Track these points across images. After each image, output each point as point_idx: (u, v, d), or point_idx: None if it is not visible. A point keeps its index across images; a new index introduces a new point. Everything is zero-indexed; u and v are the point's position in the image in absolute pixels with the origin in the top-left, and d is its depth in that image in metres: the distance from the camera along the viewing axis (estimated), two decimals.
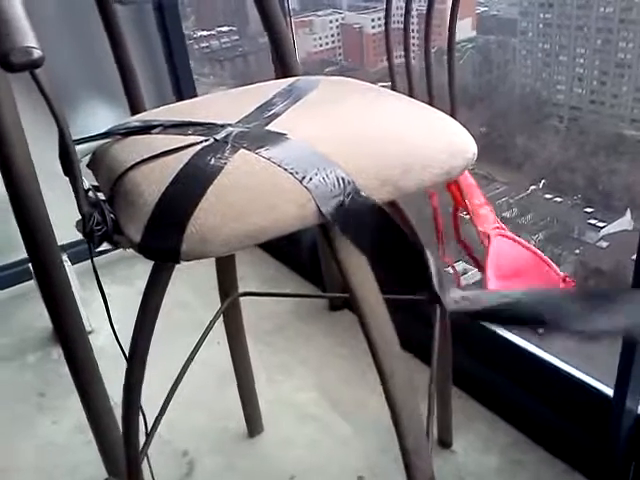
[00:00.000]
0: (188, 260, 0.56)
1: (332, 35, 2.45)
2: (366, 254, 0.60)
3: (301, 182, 0.58)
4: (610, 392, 1.04)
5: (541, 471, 1.15)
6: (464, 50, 2.25)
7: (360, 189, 0.59)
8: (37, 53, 0.49)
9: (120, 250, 2.02)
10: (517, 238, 0.84)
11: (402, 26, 0.89)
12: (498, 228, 0.83)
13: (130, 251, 1.87)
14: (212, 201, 0.56)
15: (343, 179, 0.59)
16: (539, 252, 0.84)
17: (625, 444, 1.04)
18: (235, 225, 0.55)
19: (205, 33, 2.59)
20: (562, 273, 0.81)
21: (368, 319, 0.65)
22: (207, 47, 2.60)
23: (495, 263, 0.79)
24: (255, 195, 0.57)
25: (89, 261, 0.75)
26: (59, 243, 1.02)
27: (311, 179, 0.58)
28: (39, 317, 1.63)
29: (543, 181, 2.03)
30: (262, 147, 0.61)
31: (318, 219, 0.58)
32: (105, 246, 0.63)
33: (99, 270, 0.74)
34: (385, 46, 0.92)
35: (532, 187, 2.06)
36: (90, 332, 1.53)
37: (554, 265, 0.82)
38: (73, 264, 1.48)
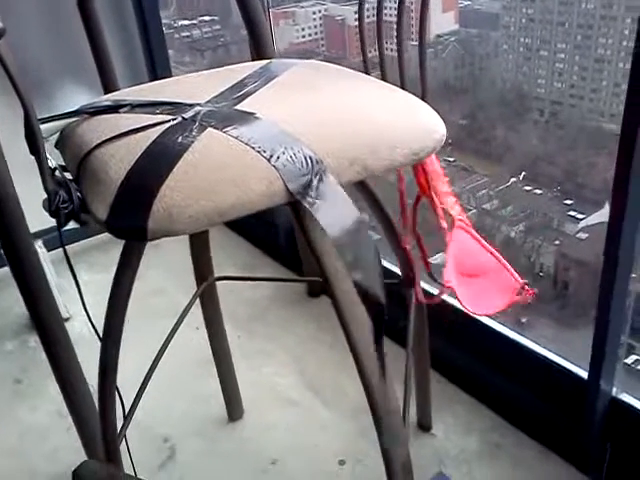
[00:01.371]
0: (155, 238, 0.55)
1: (315, 27, 2.44)
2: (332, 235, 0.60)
3: (269, 160, 0.57)
4: (585, 375, 1.05)
5: (519, 454, 1.16)
6: (446, 43, 2.26)
7: (328, 168, 0.58)
8: None
9: (96, 237, 2.02)
10: (478, 237, 0.84)
11: (376, 19, 0.89)
12: (462, 221, 0.82)
13: (106, 238, 1.86)
14: (179, 179, 0.56)
15: (311, 158, 0.58)
16: (499, 255, 0.83)
17: (600, 425, 1.06)
18: (202, 202, 0.55)
19: (186, 22, 2.56)
20: (522, 280, 0.80)
21: (340, 299, 0.65)
22: (188, 37, 2.58)
23: (456, 256, 0.78)
24: (222, 173, 0.57)
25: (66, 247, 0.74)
26: (34, 230, 1.01)
27: (279, 158, 0.58)
28: (15, 304, 1.61)
29: (523, 173, 2.04)
30: (230, 126, 0.61)
31: (286, 197, 0.58)
32: (73, 224, 0.62)
33: (75, 257, 0.74)
34: (359, 37, 0.92)
35: (512, 179, 2.08)
36: (67, 319, 1.52)
37: (513, 271, 0.81)
38: (49, 251, 1.47)
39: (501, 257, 0.83)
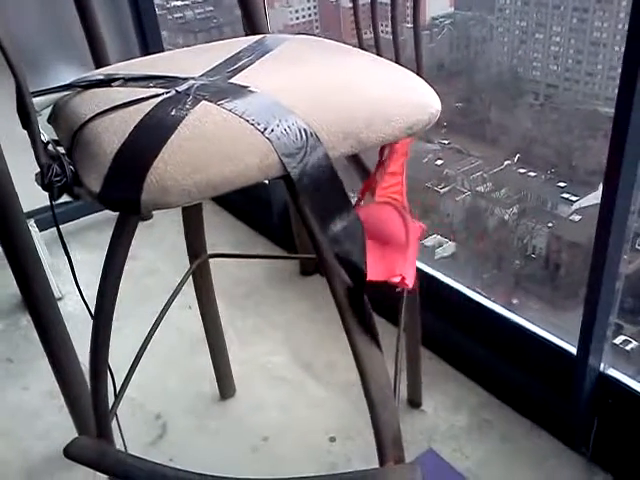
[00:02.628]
0: (148, 210, 0.55)
1: (309, 8, 2.43)
2: (324, 211, 0.60)
3: (263, 133, 0.57)
4: (574, 350, 1.07)
5: (509, 430, 1.18)
6: (441, 26, 2.24)
7: (323, 141, 0.58)
8: None
9: (90, 217, 2.01)
10: (406, 217, 0.85)
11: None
12: (395, 200, 0.83)
13: (99, 218, 1.86)
14: (172, 151, 0.55)
15: (305, 131, 0.58)
16: (412, 241, 0.83)
17: (588, 400, 1.07)
18: (196, 175, 0.55)
19: (179, 3, 2.54)
20: (405, 272, 0.80)
21: (333, 274, 0.65)
22: (181, 18, 2.55)
23: (364, 216, 0.80)
24: (216, 146, 0.56)
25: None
26: (27, 210, 1.00)
27: (273, 130, 0.57)
28: (7, 284, 1.60)
29: (518, 156, 2.04)
30: (224, 99, 0.61)
31: (280, 171, 0.58)
32: (65, 198, 0.62)
33: (68, 237, 0.74)
34: (354, 17, 0.91)
35: (506, 162, 2.08)
36: (60, 298, 1.53)
37: (409, 261, 0.81)
38: (41, 231, 1.46)
39: (413, 243, 0.83)
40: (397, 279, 0.79)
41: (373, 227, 0.82)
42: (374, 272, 0.79)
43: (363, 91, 0.65)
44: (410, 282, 0.80)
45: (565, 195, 1.97)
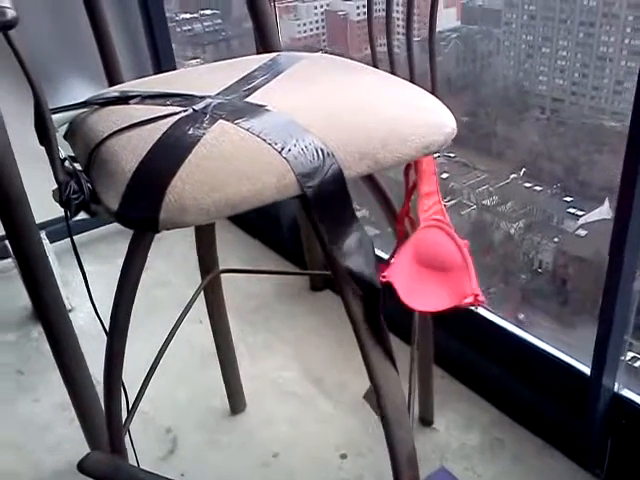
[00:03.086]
0: (167, 229, 0.56)
1: (316, 21, 2.44)
2: (337, 228, 0.60)
3: (280, 153, 0.57)
4: (587, 371, 1.06)
5: (521, 449, 1.17)
6: (448, 40, 2.25)
7: (339, 161, 0.59)
8: (11, 13, 0.48)
9: (101, 229, 2.02)
10: (455, 236, 0.83)
11: (385, 14, 0.89)
12: (439, 220, 0.82)
13: (109, 230, 1.86)
14: (190, 170, 0.56)
15: (322, 150, 0.59)
16: (468, 257, 0.82)
17: (602, 421, 1.06)
18: (214, 194, 0.55)
19: (188, 16, 2.56)
20: (475, 290, 0.78)
21: (348, 292, 0.65)
22: (190, 30, 2.57)
23: (415, 246, 0.78)
24: (234, 165, 0.57)
25: (68, 240, 0.74)
26: (38, 222, 1.01)
27: (290, 150, 0.58)
28: (18, 296, 1.61)
29: (524, 170, 2.04)
30: (241, 118, 0.61)
31: (297, 190, 0.58)
32: (82, 215, 0.62)
33: (80, 248, 0.73)
34: (368, 31, 0.91)
35: (512, 175, 2.08)
36: (70, 310, 1.53)
37: (474, 278, 0.80)
38: (51, 242, 1.47)
39: (469, 261, 0.82)
40: (470, 299, 0.77)
41: (427, 256, 0.81)
42: (443, 300, 0.78)
43: (379, 111, 0.65)
44: (482, 297, 0.79)
45: (571, 210, 1.97)
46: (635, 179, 0.85)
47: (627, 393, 1.05)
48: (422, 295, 0.76)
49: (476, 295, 0.76)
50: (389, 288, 0.72)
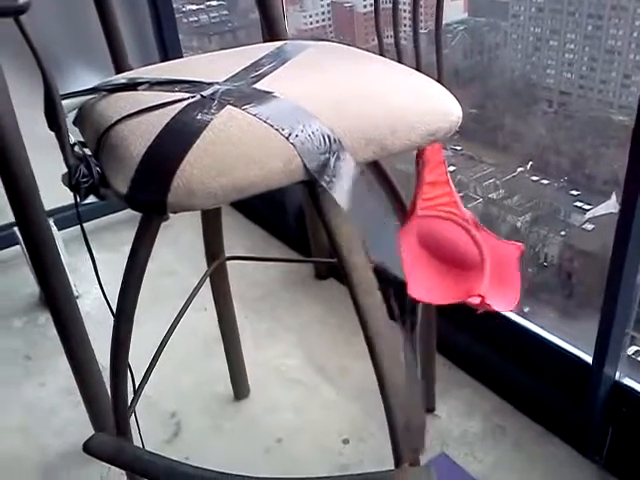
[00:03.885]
0: (174, 212, 0.57)
1: (323, 13, 2.44)
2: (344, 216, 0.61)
3: (287, 138, 0.58)
4: (589, 359, 1.07)
5: (522, 436, 1.18)
6: (455, 32, 2.25)
7: (346, 147, 0.59)
8: None
9: (108, 217, 2.02)
10: (471, 230, 0.81)
11: (392, 4, 0.89)
12: (451, 213, 0.80)
13: (115, 218, 1.87)
14: (198, 154, 0.57)
15: (329, 137, 0.59)
16: (486, 258, 0.80)
17: (603, 409, 1.07)
18: (221, 178, 0.56)
19: (194, 7, 2.56)
20: (484, 292, 0.75)
21: (354, 281, 0.66)
22: (196, 21, 2.57)
23: (423, 236, 0.76)
24: (241, 150, 0.58)
25: (75, 227, 0.75)
26: (46, 209, 1.02)
27: (297, 136, 0.58)
28: (25, 283, 1.63)
29: (530, 163, 2.04)
30: (249, 104, 0.62)
31: (304, 175, 0.59)
32: (91, 199, 0.63)
33: (87, 236, 0.74)
34: (375, 22, 0.91)
35: (519, 169, 2.08)
36: (77, 297, 1.54)
37: (486, 278, 0.76)
38: (59, 230, 1.48)
39: (487, 260, 0.80)
40: (476, 300, 0.76)
41: (434, 244, 0.80)
42: (448, 294, 0.77)
43: (385, 98, 0.66)
44: (499, 305, 0.76)
45: (578, 203, 1.96)
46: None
47: (628, 382, 1.06)
48: (428, 285, 0.76)
49: (483, 297, 0.74)
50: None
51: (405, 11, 1.07)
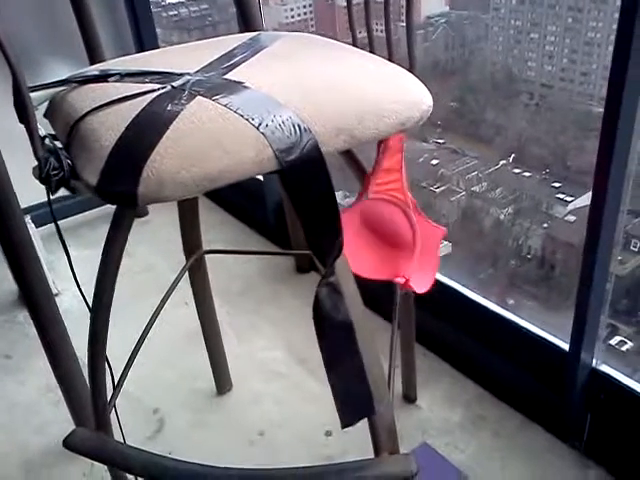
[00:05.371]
0: (146, 203, 0.56)
1: (304, 7, 2.43)
2: (311, 206, 0.61)
3: (257, 128, 0.58)
4: (566, 347, 1.08)
5: (502, 424, 1.19)
6: (436, 25, 2.25)
7: (316, 137, 0.59)
8: None
9: (84, 214, 2.01)
10: (410, 215, 0.84)
11: None
12: (395, 197, 0.82)
13: (93, 215, 1.86)
14: (168, 145, 0.56)
15: (299, 126, 0.59)
16: (418, 243, 0.83)
17: (581, 396, 1.09)
18: (192, 169, 0.56)
19: (174, 1, 2.54)
20: (408, 276, 0.79)
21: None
22: (176, 15, 2.56)
23: (364, 213, 0.79)
24: (212, 140, 0.57)
25: (53, 225, 0.75)
26: (23, 206, 1.01)
27: (267, 125, 0.58)
28: (2, 281, 1.62)
29: (513, 156, 2.05)
30: (219, 94, 0.62)
31: (275, 165, 0.58)
32: (62, 192, 0.63)
33: (64, 233, 0.74)
34: (348, 16, 0.92)
35: (502, 162, 2.09)
36: (56, 295, 1.53)
37: (414, 264, 0.80)
38: (37, 227, 1.47)
39: (417, 245, 0.83)
40: (401, 280, 0.78)
41: (375, 224, 0.82)
42: (377, 271, 0.80)
43: (356, 87, 0.66)
44: (419, 286, 0.79)
45: (560, 195, 1.98)
46: (610, 161, 0.87)
47: (605, 368, 1.07)
48: (360, 259, 0.77)
49: (407, 279, 0.78)
50: None
51: (380, 3, 1.07)
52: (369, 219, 0.78)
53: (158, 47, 1.88)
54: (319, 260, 0.64)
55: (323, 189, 0.61)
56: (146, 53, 0.81)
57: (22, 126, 0.62)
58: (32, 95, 0.63)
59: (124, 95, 0.62)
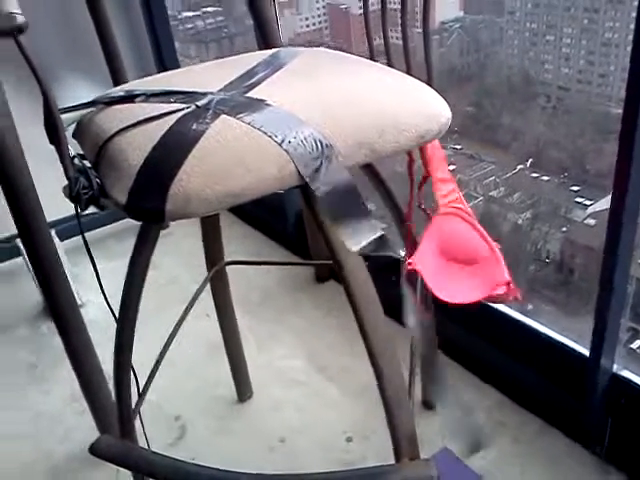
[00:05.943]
0: (173, 220, 0.58)
1: (319, 16, 2.45)
2: (338, 218, 0.62)
3: (280, 145, 0.60)
4: (586, 352, 1.08)
5: (522, 431, 1.19)
6: (451, 30, 2.26)
7: (338, 152, 0.61)
8: (20, 19, 0.50)
9: (109, 227, 2.04)
10: (477, 226, 0.83)
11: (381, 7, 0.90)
12: (458, 209, 0.82)
13: (119, 227, 1.89)
14: (194, 163, 0.58)
15: (321, 142, 0.61)
16: (495, 247, 0.81)
17: (601, 401, 1.08)
18: (217, 186, 0.58)
19: (190, 14, 2.57)
20: (508, 277, 0.76)
21: (350, 281, 0.67)
22: (192, 28, 2.58)
23: (442, 240, 0.77)
24: (236, 157, 0.59)
25: (77, 238, 0.77)
26: (47, 220, 1.04)
27: (290, 142, 0.60)
28: (28, 294, 1.65)
29: (530, 160, 2.04)
30: (242, 113, 0.64)
31: (297, 181, 0.60)
32: (91, 209, 0.65)
33: (89, 246, 0.76)
34: (364, 25, 0.93)
35: (519, 166, 2.08)
36: (81, 306, 1.55)
37: (504, 267, 0.78)
38: (63, 240, 1.50)
39: (497, 250, 0.81)
40: (502, 289, 0.76)
41: (452, 248, 0.80)
42: (472, 293, 0.77)
43: (375, 102, 0.67)
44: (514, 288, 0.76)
45: (579, 199, 1.96)
46: (630, 163, 0.87)
47: (626, 374, 1.07)
48: (450, 288, 0.76)
49: (508, 283, 0.75)
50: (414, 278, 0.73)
51: (396, 10, 1.08)
52: (443, 243, 0.77)
53: (178, 62, 1.90)
54: None
55: (349, 202, 0.63)
56: (168, 73, 0.83)
57: (47, 143, 0.65)
58: (62, 117, 0.66)
59: (150, 115, 0.64)
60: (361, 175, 0.83)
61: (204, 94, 0.68)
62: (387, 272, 0.85)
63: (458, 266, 0.80)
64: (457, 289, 0.78)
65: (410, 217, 0.85)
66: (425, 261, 0.76)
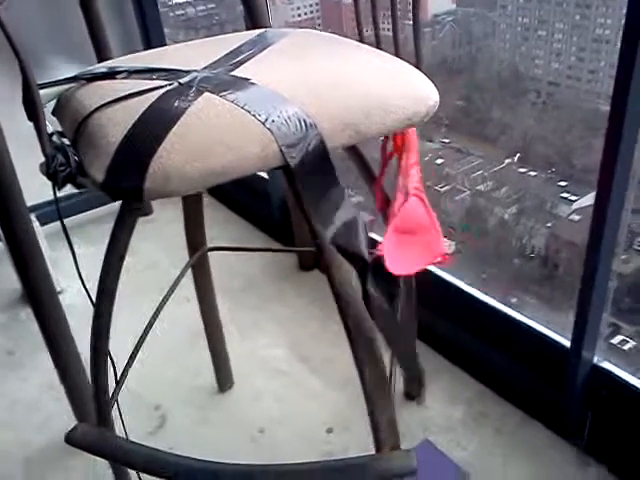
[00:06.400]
0: (152, 199, 0.57)
1: (311, 5, 2.44)
2: (321, 199, 0.61)
3: (264, 124, 0.58)
4: (567, 343, 1.08)
5: (504, 422, 1.19)
6: (443, 23, 2.25)
7: (322, 132, 0.60)
8: None
9: (89, 212, 2.01)
10: (426, 202, 0.87)
11: None
12: (417, 189, 0.85)
13: (98, 213, 1.86)
14: (175, 141, 0.57)
15: (305, 121, 0.60)
16: (436, 220, 0.86)
17: (582, 392, 1.09)
18: (198, 164, 0.56)
19: (181, 0, 2.54)
20: (447, 249, 0.83)
21: (332, 266, 0.66)
22: (183, 15, 2.56)
23: (401, 218, 0.81)
24: (218, 135, 0.58)
25: (57, 223, 0.75)
26: (28, 204, 1.01)
27: (273, 121, 0.59)
28: (6, 280, 1.62)
29: (518, 155, 2.05)
30: (226, 91, 0.62)
31: (280, 161, 0.59)
32: (69, 190, 0.63)
33: (69, 231, 0.74)
34: (354, 13, 0.92)
35: (507, 161, 2.08)
36: (59, 292, 1.53)
37: (443, 239, 0.85)
38: (41, 225, 1.47)
39: (437, 222, 0.86)
40: (439, 259, 0.82)
41: (405, 223, 0.83)
42: (415, 263, 0.81)
43: (362, 83, 0.66)
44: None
45: (565, 195, 1.97)
46: (615, 160, 0.87)
47: (606, 365, 1.07)
48: (401, 260, 0.78)
49: (443, 256, 0.80)
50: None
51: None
52: (402, 220, 0.79)
53: (166, 45, 1.88)
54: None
55: (329, 184, 0.62)
56: (153, 50, 0.81)
57: (28, 125, 0.63)
58: (41, 92, 0.64)
59: (132, 92, 0.63)
60: (346, 159, 0.83)
61: (188, 72, 0.67)
62: None
63: (406, 237, 0.83)
64: (405, 261, 0.81)
65: (381, 190, 0.85)
66: (387, 242, 0.78)
